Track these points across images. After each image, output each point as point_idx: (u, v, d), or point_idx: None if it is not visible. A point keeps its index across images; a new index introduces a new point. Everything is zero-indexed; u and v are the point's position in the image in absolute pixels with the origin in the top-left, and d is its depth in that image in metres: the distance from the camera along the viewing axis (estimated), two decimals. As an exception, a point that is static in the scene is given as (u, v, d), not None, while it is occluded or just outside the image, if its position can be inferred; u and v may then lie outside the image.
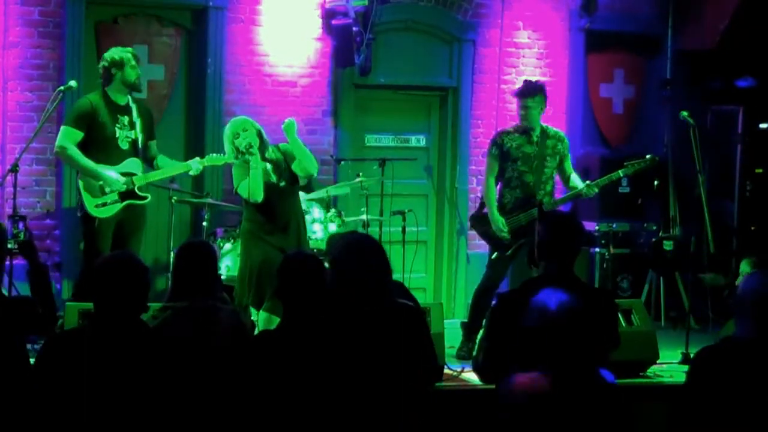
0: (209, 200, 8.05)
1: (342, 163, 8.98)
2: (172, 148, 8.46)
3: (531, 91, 7.30)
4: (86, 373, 3.86)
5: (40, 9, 8.13)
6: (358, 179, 8.36)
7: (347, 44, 8.74)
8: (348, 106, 9.15)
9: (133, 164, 7.13)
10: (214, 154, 7.36)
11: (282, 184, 6.79)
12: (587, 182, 7.40)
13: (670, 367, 6.96)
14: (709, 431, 3.76)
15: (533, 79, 8.07)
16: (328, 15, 8.90)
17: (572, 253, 4.53)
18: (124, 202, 7.07)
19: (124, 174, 7.06)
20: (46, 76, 8.14)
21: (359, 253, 4.27)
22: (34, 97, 8.10)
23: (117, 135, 7.05)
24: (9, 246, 5.73)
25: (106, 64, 7.11)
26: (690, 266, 8.57)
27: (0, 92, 8.06)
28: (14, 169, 6.94)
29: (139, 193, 7.15)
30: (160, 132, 7.68)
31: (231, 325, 4.53)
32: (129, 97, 7.18)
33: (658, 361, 6.85)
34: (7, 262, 6.68)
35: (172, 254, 7.40)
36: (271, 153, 6.83)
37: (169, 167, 7.34)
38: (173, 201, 7.66)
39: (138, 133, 7.15)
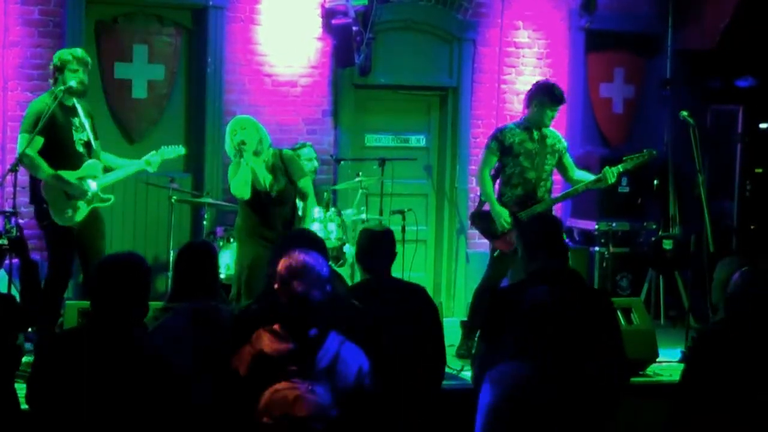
0: (209, 200, 8.05)
1: (342, 162, 8.98)
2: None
3: (565, 99, 7.39)
4: (85, 374, 3.85)
5: (40, 8, 8.14)
6: (358, 179, 8.38)
7: (347, 44, 8.75)
8: (348, 106, 9.16)
9: (92, 167, 6.88)
10: (165, 147, 7.21)
11: (275, 192, 6.72)
12: (607, 167, 7.35)
13: (669, 365, 6.98)
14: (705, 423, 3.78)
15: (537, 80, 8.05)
16: (328, 14, 8.90)
17: (562, 246, 4.56)
18: (90, 207, 6.84)
19: (85, 177, 6.82)
20: (46, 75, 8.09)
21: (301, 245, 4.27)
22: (34, 97, 8.08)
23: (74, 138, 6.80)
24: (1, 242, 5.68)
25: (52, 65, 6.83)
26: (690, 265, 8.58)
27: (0, 92, 8.07)
28: (14, 169, 6.89)
29: (103, 196, 6.93)
30: (160, 131, 7.67)
31: (231, 326, 4.52)
32: (73, 98, 6.88)
33: (657, 360, 6.86)
34: (7, 261, 6.70)
35: (172, 254, 7.41)
36: (269, 157, 6.78)
37: (126, 166, 7.11)
38: (173, 201, 7.67)
39: (89, 134, 6.90)
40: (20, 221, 7.14)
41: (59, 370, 3.89)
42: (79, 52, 6.85)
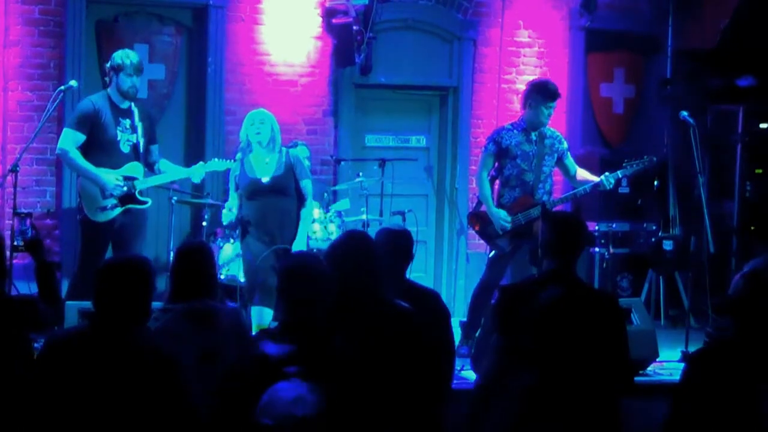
0: (209, 200, 8.05)
1: (342, 163, 8.98)
2: (173, 147, 8.47)
3: (559, 94, 7.35)
4: (86, 374, 3.84)
5: (41, 8, 8.13)
6: (358, 179, 8.37)
7: (348, 43, 8.75)
8: (348, 106, 9.15)
9: (134, 168, 7.06)
10: (216, 159, 7.32)
11: (268, 178, 6.76)
12: (606, 173, 7.38)
13: (669, 365, 6.99)
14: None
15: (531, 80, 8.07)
16: (328, 14, 8.90)
17: (576, 252, 4.56)
18: (124, 207, 7.00)
19: (125, 178, 7.00)
20: (47, 75, 8.15)
21: (350, 253, 4.26)
22: (35, 97, 8.10)
23: (119, 138, 6.98)
24: (16, 243, 5.70)
25: (109, 65, 7.06)
26: (690, 266, 8.58)
27: (0, 92, 8.07)
28: (14, 169, 6.92)
29: (140, 198, 7.07)
30: (161, 131, 7.65)
31: (231, 326, 4.52)
32: (128, 101, 7.08)
33: (658, 360, 6.87)
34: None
35: (172, 254, 7.41)
36: (276, 153, 6.84)
37: (171, 172, 7.28)
38: (173, 201, 7.66)
39: (140, 137, 7.07)
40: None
41: (61, 371, 3.88)
42: (135, 58, 7.03)
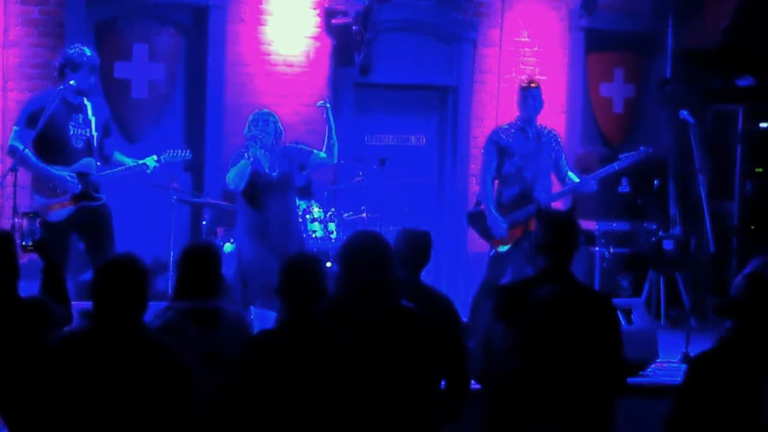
0: (209, 200, 8.05)
1: (342, 162, 8.96)
2: (172, 147, 8.43)
3: (534, 83, 7.36)
4: (89, 375, 3.84)
5: (40, 8, 8.14)
6: (357, 178, 8.37)
7: (347, 43, 8.76)
8: (348, 106, 9.15)
9: (87, 164, 6.88)
10: (172, 151, 7.25)
11: (276, 173, 6.76)
12: (584, 176, 7.40)
13: (670, 366, 6.98)
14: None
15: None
16: (327, 14, 8.91)
17: (570, 252, 4.57)
18: (78, 205, 6.84)
19: (78, 174, 6.82)
20: (46, 75, 8.12)
21: (360, 251, 4.25)
22: (34, 97, 8.08)
23: (71, 133, 6.81)
24: (25, 243, 5.70)
25: (62, 60, 6.87)
26: (690, 266, 8.57)
27: (0, 91, 8.06)
28: (14, 169, 6.90)
29: (93, 194, 6.90)
30: (160, 131, 7.69)
31: (235, 327, 4.51)
32: (81, 96, 6.90)
33: (658, 360, 6.87)
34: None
35: (172, 254, 7.42)
36: (277, 150, 6.84)
37: (125, 165, 7.10)
38: (173, 201, 7.67)
39: (93, 131, 6.91)
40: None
41: (62, 372, 3.88)
42: (87, 56, 6.85)
